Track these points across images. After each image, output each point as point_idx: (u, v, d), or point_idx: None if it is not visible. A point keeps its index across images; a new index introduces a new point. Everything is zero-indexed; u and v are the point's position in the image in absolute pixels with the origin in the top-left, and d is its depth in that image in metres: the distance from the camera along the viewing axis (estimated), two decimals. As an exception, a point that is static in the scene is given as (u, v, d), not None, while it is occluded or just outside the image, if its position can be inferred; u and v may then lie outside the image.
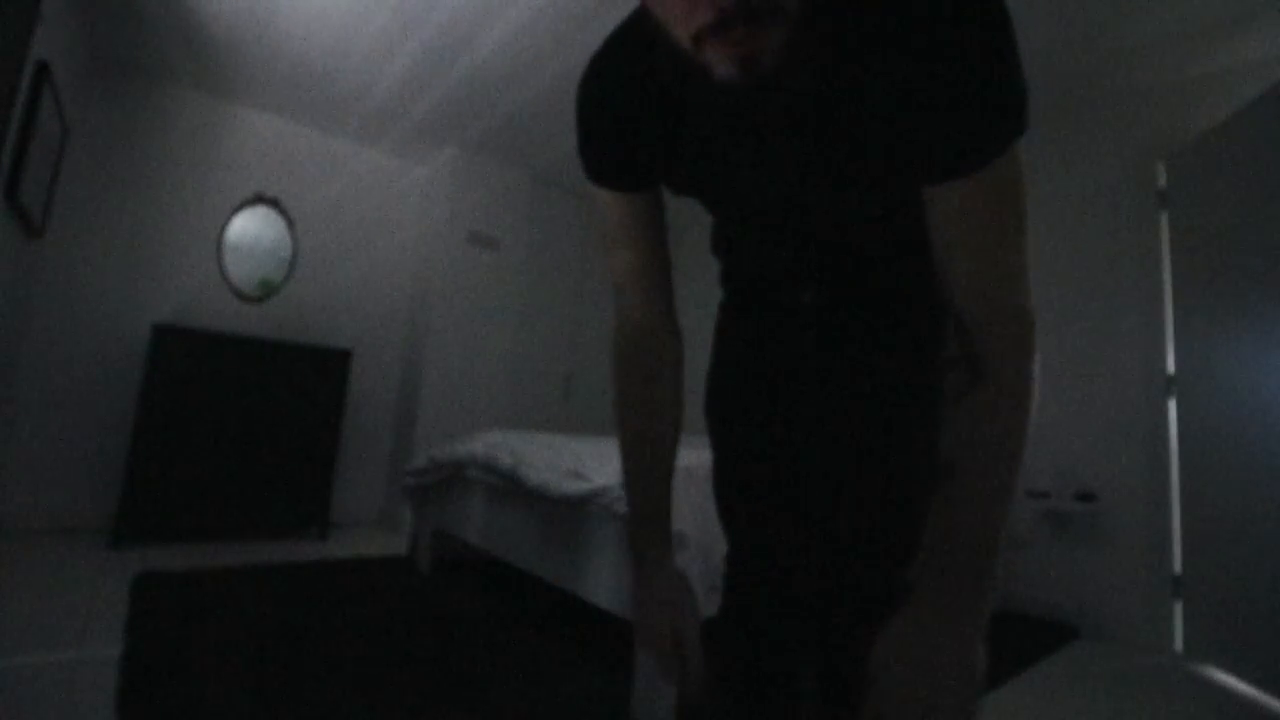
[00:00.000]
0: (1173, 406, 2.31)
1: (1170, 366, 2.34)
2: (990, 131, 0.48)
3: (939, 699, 0.50)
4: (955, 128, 0.48)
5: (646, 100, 0.61)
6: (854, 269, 0.73)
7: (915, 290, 0.73)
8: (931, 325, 0.74)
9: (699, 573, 1.39)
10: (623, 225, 0.71)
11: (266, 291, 3.32)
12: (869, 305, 0.74)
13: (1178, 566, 2.23)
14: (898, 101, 0.50)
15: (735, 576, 0.87)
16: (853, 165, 0.58)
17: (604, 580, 1.57)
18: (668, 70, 0.56)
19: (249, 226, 3.29)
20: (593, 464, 1.65)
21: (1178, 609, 2.22)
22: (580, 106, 0.66)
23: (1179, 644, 2.19)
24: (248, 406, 2.85)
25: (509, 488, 1.98)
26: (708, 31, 0.43)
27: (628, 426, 0.77)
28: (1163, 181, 2.44)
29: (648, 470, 0.76)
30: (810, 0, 0.46)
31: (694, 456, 1.52)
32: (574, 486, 1.62)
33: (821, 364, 0.78)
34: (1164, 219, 2.42)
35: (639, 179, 0.67)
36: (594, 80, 0.64)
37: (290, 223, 3.40)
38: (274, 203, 3.36)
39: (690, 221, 3.94)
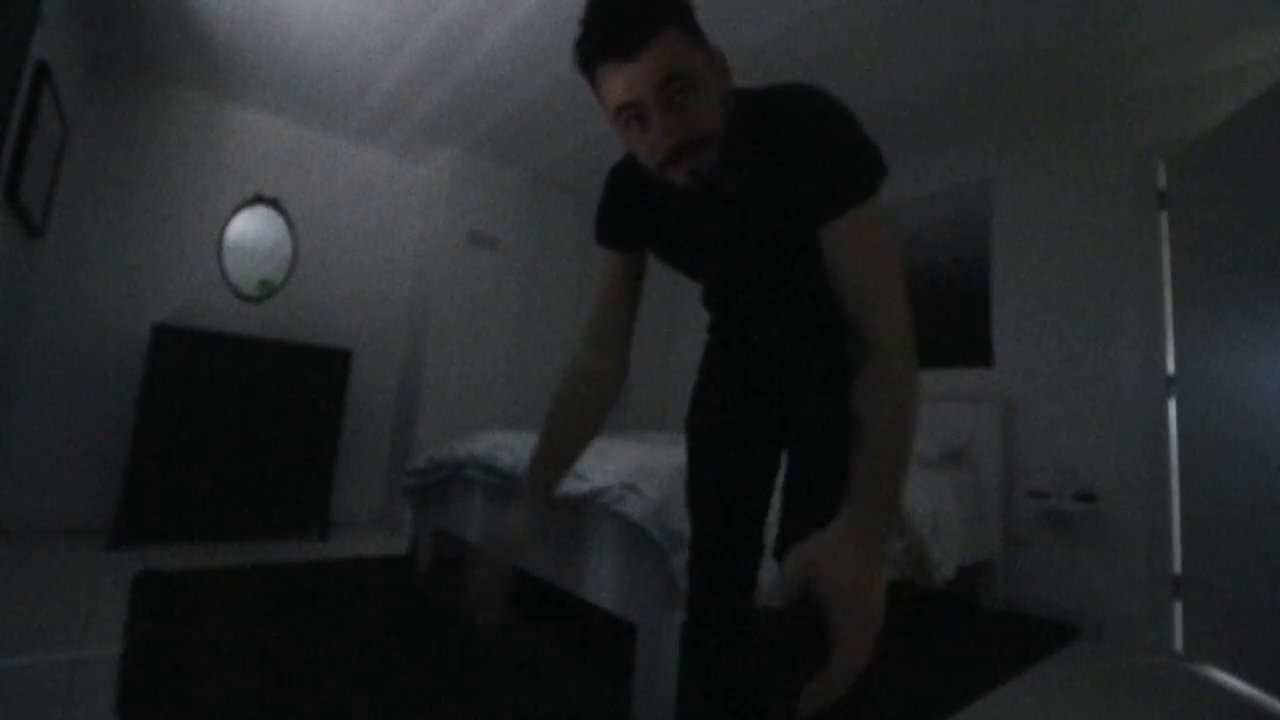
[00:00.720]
0: (1173, 406, 2.31)
1: (1170, 366, 2.34)
2: (848, 191, 0.73)
3: (857, 595, 0.62)
4: (826, 190, 0.74)
5: (641, 195, 0.92)
6: (801, 303, 0.93)
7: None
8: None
9: (699, 573, 1.39)
10: (609, 288, 1.00)
11: (266, 291, 3.32)
12: (817, 330, 0.91)
13: (1178, 566, 2.23)
14: (791, 182, 0.77)
15: (698, 564, 1.01)
16: (772, 227, 0.84)
17: (604, 580, 1.57)
18: (634, 186, 0.91)
19: (249, 227, 3.29)
20: (592, 464, 1.65)
21: (1178, 609, 2.22)
22: (603, 193, 0.99)
23: (1179, 644, 2.19)
24: (248, 406, 2.85)
25: (509, 488, 1.98)
26: (664, 162, 0.73)
27: (550, 427, 1.00)
28: (1163, 181, 2.44)
29: (554, 458, 1.00)
30: (730, 126, 0.75)
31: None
32: (574, 486, 1.62)
33: (782, 379, 0.96)
34: (1164, 219, 2.42)
35: (629, 244, 0.98)
36: (612, 177, 0.98)
37: (290, 223, 3.40)
38: (274, 203, 3.36)
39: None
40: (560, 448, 0.99)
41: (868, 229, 0.74)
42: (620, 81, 0.69)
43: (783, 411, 0.95)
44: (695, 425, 1.07)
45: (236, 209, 3.25)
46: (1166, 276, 2.38)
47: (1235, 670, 1.93)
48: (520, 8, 2.34)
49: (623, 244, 0.98)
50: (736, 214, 0.85)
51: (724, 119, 0.74)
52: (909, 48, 2.40)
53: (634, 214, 0.94)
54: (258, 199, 3.31)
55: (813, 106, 0.75)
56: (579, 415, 1.00)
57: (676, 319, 4.65)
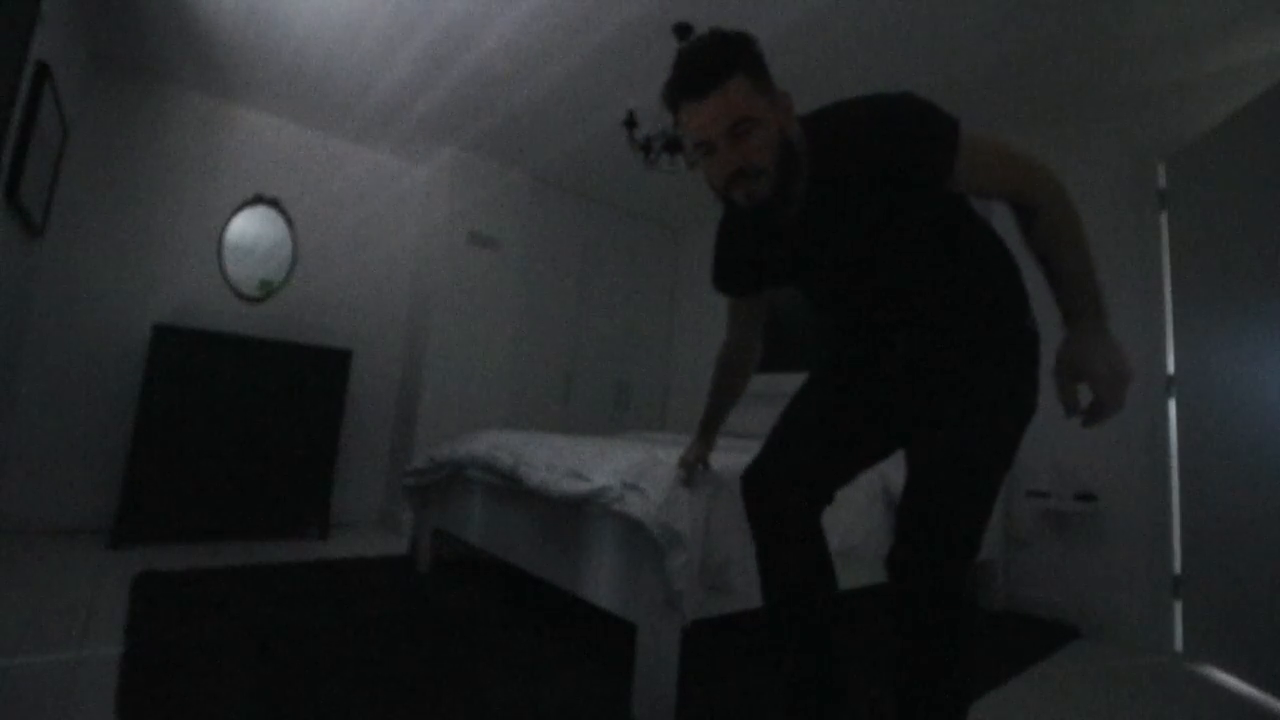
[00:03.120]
0: (1173, 406, 2.31)
1: (1170, 366, 2.34)
2: (943, 145, 0.86)
3: (1115, 362, 0.85)
4: (926, 157, 0.87)
5: (746, 240, 1.09)
6: (920, 307, 1.02)
7: (955, 296, 1.02)
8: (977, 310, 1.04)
9: (697, 573, 1.39)
10: (737, 316, 1.26)
11: (266, 291, 3.32)
12: (934, 328, 1.03)
13: (1178, 566, 2.23)
14: (874, 169, 0.88)
15: (757, 475, 1.12)
16: (862, 229, 0.95)
17: (604, 580, 1.57)
18: (750, 221, 1.05)
19: (249, 226, 3.29)
20: (593, 464, 1.65)
21: (1178, 609, 2.22)
22: (716, 246, 1.16)
23: (1179, 644, 2.19)
24: (248, 406, 2.85)
25: (509, 488, 1.98)
26: (725, 186, 0.90)
27: (714, 390, 1.35)
28: (1163, 181, 2.44)
29: (717, 408, 1.38)
30: (785, 160, 0.88)
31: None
32: (574, 486, 1.62)
33: (909, 383, 1.06)
34: (1164, 219, 2.42)
35: (742, 290, 1.18)
36: (720, 231, 1.15)
37: (290, 223, 3.40)
38: (274, 203, 3.36)
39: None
40: (724, 400, 1.35)
41: (979, 150, 0.88)
42: (695, 119, 0.87)
43: (911, 407, 1.05)
44: (816, 381, 1.18)
45: (236, 209, 3.25)
46: (1166, 276, 2.38)
47: (1235, 670, 1.93)
48: (520, 8, 2.34)
49: (737, 291, 1.18)
50: (828, 220, 0.96)
51: (781, 153, 0.88)
52: (909, 48, 2.40)
53: (743, 258, 1.11)
54: (258, 199, 3.31)
55: (869, 103, 0.90)
56: (735, 377, 1.32)
57: (676, 319, 4.65)
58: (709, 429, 1.41)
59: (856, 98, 0.92)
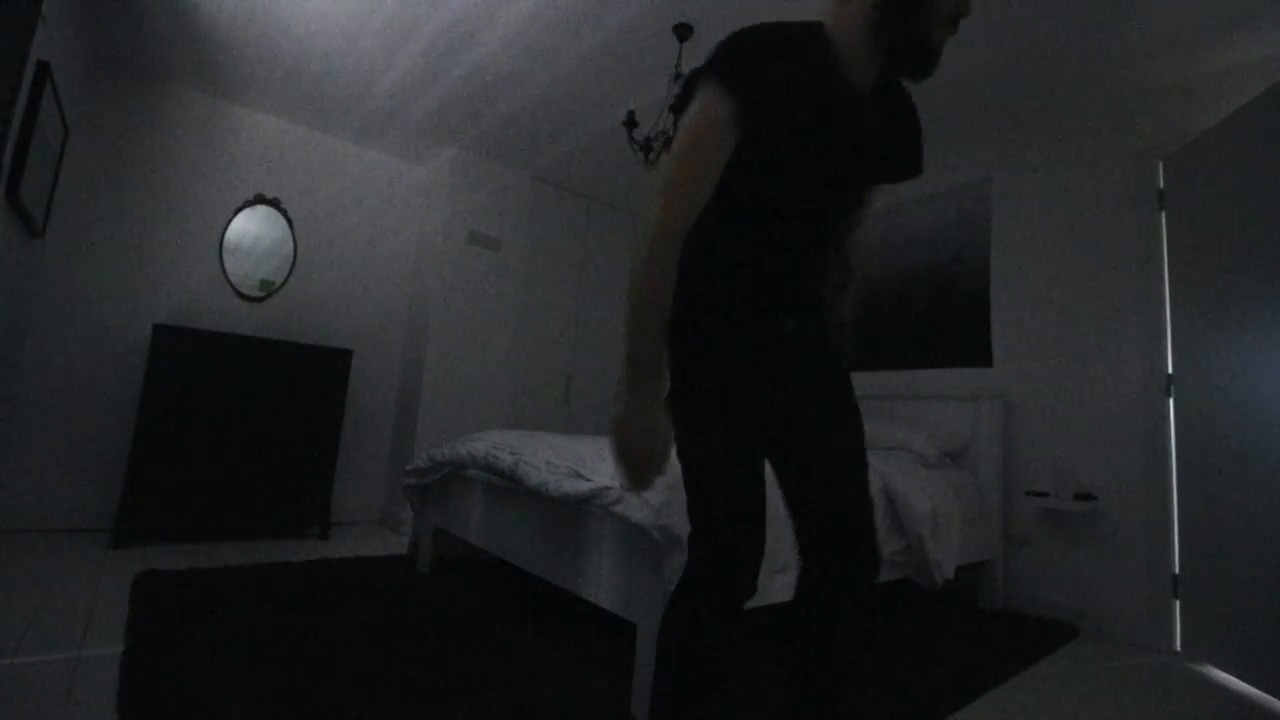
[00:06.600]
0: (1171, 406, 2.31)
1: (1169, 366, 2.34)
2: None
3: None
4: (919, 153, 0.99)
5: (798, 72, 0.83)
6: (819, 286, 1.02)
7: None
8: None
9: (699, 572, 1.39)
10: (713, 170, 0.83)
11: (267, 291, 3.33)
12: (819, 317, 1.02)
13: (1177, 566, 2.24)
14: (900, 127, 0.96)
15: (735, 571, 0.98)
16: (874, 162, 0.95)
17: (604, 580, 1.57)
18: (813, 65, 0.84)
19: (249, 226, 3.29)
20: (593, 464, 1.65)
21: (1176, 608, 2.22)
22: (770, 40, 0.83)
23: (1178, 643, 2.20)
24: (248, 406, 2.85)
25: (509, 487, 1.98)
26: (947, 24, 0.83)
27: (655, 293, 0.84)
28: (1162, 181, 2.44)
29: (657, 326, 0.85)
30: None
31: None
32: (574, 486, 1.62)
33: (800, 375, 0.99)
34: (1163, 219, 2.42)
35: (770, 113, 0.83)
36: (773, 36, 0.83)
37: (290, 223, 3.41)
38: (274, 203, 3.36)
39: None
40: (662, 319, 0.84)
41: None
42: None
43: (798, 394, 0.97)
44: (731, 423, 0.92)
45: (237, 209, 3.25)
46: (1166, 276, 2.39)
47: (1234, 670, 1.93)
48: (520, 8, 2.34)
49: (764, 109, 0.81)
50: (875, 133, 0.92)
51: None
52: (909, 48, 2.40)
53: (782, 84, 0.81)
54: (258, 199, 3.31)
55: None
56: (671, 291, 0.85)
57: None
58: (652, 364, 0.85)
59: None
